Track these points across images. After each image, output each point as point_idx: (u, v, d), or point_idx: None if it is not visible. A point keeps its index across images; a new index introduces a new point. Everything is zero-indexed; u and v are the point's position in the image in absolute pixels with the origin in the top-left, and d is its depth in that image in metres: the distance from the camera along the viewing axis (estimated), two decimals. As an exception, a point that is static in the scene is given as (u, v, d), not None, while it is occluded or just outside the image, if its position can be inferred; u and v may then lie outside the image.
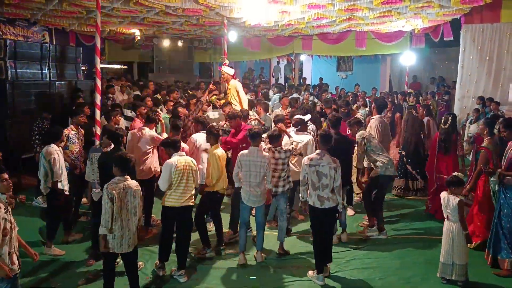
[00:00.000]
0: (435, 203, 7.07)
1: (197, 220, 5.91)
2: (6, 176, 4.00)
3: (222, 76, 9.11)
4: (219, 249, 6.05)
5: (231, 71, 8.95)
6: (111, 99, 10.02)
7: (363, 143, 6.42)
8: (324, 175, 5.18)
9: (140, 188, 4.67)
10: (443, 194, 5.20)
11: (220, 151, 5.92)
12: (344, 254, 5.96)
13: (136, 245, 4.69)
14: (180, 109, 8.21)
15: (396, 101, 12.63)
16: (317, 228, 5.38)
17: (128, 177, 4.62)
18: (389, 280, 5.32)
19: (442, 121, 7.25)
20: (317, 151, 5.40)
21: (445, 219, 5.19)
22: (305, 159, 5.36)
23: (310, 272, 5.38)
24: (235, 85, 8.68)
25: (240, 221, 5.86)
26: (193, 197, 5.42)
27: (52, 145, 5.95)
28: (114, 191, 4.41)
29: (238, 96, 8.59)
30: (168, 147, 5.41)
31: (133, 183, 4.61)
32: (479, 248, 5.88)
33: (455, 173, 5.33)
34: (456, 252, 5.04)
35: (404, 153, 8.43)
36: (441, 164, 7.18)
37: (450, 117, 7.18)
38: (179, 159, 5.25)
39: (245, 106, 8.50)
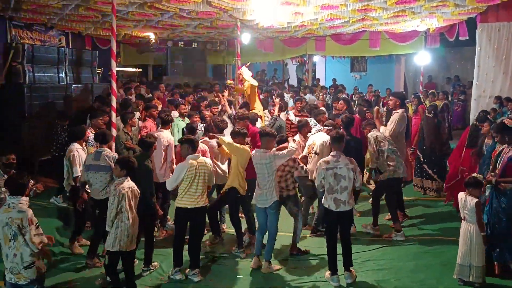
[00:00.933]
0: (453, 193, 7.03)
1: (210, 211, 5.93)
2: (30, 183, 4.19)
3: (240, 77, 9.31)
4: (239, 251, 6.05)
5: (247, 73, 9.07)
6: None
7: (375, 143, 6.43)
8: (342, 177, 5.14)
9: (139, 191, 4.85)
10: (461, 195, 5.16)
11: (247, 147, 5.97)
12: (358, 255, 5.92)
13: (136, 245, 4.85)
14: (206, 112, 8.34)
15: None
16: (332, 231, 5.36)
17: (128, 178, 4.82)
18: (404, 282, 5.29)
19: (476, 118, 7.29)
20: (332, 153, 5.34)
21: (462, 220, 5.15)
22: (321, 163, 5.30)
23: (327, 274, 5.37)
24: (251, 84, 8.76)
25: (257, 224, 5.86)
26: (207, 198, 5.46)
27: (74, 143, 6.16)
28: (124, 191, 4.62)
29: (253, 96, 8.69)
30: (186, 144, 5.39)
31: (133, 184, 4.79)
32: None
33: (474, 174, 5.31)
34: (474, 254, 5.00)
35: (419, 153, 8.39)
36: (467, 158, 7.07)
37: (482, 115, 7.20)
38: (192, 162, 5.27)
39: (259, 105, 8.57)
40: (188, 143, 5.39)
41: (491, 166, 5.61)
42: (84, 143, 6.44)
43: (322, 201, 5.45)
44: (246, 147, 5.98)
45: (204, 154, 5.95)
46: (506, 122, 5.59)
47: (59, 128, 7.82)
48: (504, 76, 10.44)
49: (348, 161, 5.21)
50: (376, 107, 10.73)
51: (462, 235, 5.12)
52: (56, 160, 7.67)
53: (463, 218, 5.13)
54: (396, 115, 7.35)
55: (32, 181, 4.35)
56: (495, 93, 10.41)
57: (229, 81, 9.60)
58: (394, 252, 6.06)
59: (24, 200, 4.02)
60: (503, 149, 5.41)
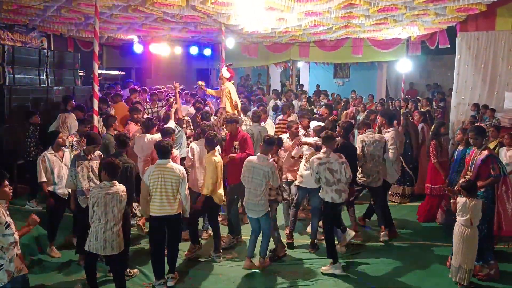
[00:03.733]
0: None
1: (190, 219, 5.85)
2: (6, 182, 4.04)
3: (220, 75, 9.48)
4: (216, 256, 6.03)
5: (226, 74, 9.19)
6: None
7: (362, 146, 6.55)
8: (335, 171, 5.50)
9: (125, 193, 4.78)
10: (461, 199, 5.18)
11: (217, 158, 5.91)
12: (340, 260, 5.98)
13: (123, 249, 4.80)
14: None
15: (391, 107, 12.68)
16: (330, 222, 5.76)
17: (115, 182, 4.74)
18: (386, 286, 5.35)
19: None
20: (323, 149, 5.66)
21: (459, 225, 5.15)
22: (314, 160, 5.60)
23: (325, 268, 5.59)
24: (229, 87, 8.85)
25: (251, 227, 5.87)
26: (179, 206, 5.27)
27: (49, 149, 6.13)
28: (96, 197, 4.61)
29: (230, 98, 8.76)
30: (158, 153, 5.36)
31: (120, 188, 4.72)
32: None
33: (467, 177, 5.52)
34: (466, 256, 5.08)
35: (402, 159, 8.45)
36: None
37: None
38: (156, 167, 5.21)
39: (237, 108, 8.66)
40: (158, 151, 5.33)
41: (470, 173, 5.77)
42: (60, 148, 6.30)
43: (321, 196, 5.68)
44: (217, 157, 5.90)
45: (174, 160, 5.83)
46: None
47: (30, 129, 7.73)
48: (483, 84, 10.69)
49: (338, 156, 5.59)
50: (345, 111, 10.96)
51: (460, 239, 5.12)
52: (28, 163, 7.60)
53: (469, 223, 5.06)
54: (387, 135, 6.98)
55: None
56: (474, 101, 10.65)
57: (200, 82, 9.62)
58: (376, 256, 6.12)
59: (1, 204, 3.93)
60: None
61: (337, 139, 6.21)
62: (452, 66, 11.32)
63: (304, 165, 6.36)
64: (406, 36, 13.38)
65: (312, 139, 6.49)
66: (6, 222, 3.86)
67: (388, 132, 7.01)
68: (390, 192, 8.48)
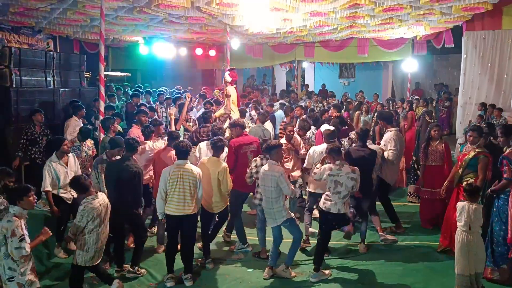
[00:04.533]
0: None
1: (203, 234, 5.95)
2: (32, 193, 4.09)
3: (224, 79, 9.50)
4: (207, 262, 5.89)
5: (228, 78, 9.20)
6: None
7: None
8: (340, 184, 5.38)
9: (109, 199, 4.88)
10: (461, 204, 4.98)
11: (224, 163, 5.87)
12: (346, 260, 5.98)
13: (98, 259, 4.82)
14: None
15: (392, 109, 12.51)
16: (328, 231, 5.63)
17: (99, 193, 4.80)
18: (392, 286, 5.33)
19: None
20: (337, 161, 5.49)
21: (460, 231, 4.94)
22: (325, 168, 5.53)
23: (326, 271, 5.55)
24: (228, 91, 8.88)
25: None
26: (194, 206, 5.30)
27: (53, 156, 6.09)
28: (94, 212, 4.60)
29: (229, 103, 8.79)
30: (177, 153, 5.40)
31: (104, 196, 4.81)
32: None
33: (470, 181, 5.37)
34: (476, 262, 4.89)
35: (414, 159, 8.41)
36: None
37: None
38: (175, 167, 5.26)
39: (235, 113, 8.68)
40: (176, 151, 5.40)
41: (460, 170, 5.90)
42: (64, 154, 6.23)
43: (320, 204, 5.63)
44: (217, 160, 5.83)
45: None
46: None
47: (32, 129, 7.72)
48: (490, 84, 10.64)
49: (351, 170, 5.41)
50: (357, 112, 10.88)
51: (461, 246, 4.90)
52: (34, 164, 7.63)
53: (467, 228, 4.85)
54: (389, 134, 6.94)
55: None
56: (480, 100, 10.59)
57: (216, 91, 9.70)
58: (382, 257, 6.09)
59: (17, 210, 3.98)
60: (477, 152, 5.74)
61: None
62: (459, 65, 11.28)
63: (314, 173, 6.27)
64: (412, 35, 13.34)
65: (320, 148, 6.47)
66: (22, 235, 3.90)
67: (390, 131, 6.97)
68: (408, 192, 8.57)
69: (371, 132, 8.71)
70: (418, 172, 8.26)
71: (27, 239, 3.92)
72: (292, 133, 7.04)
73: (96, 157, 6.46)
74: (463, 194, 5.10)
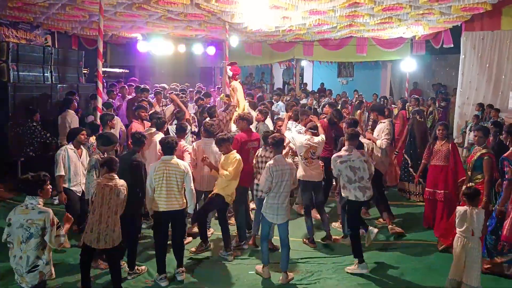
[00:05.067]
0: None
1: (198, 216, 5.95)
2: (48, 182, 4.04)
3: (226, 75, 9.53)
4: (227, 254, 5.95)
5: (229, 73, 9.22)
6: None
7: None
8: (357, 168, 5.48)
9: (125, 187, 4.80)
10: (462, 209, 4.82)
11: (238, 156, 5.87)
12: (343, 259, 5.97)
13: (118, 243, 4.76)
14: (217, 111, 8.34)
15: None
16: (356, 220, 5.75)
17: (114, 175, 4.78)
18: (390, 285, 5.34)
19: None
20: (345, 147, 5.64)
21: (460, 236, 4.81)
22: (335, 158, 5.59)
23: (351, 267, 5.59)
24: (234, 86, 8.82)
25: (261, 235, 5.62)
26: (183, 201, 5.29)
27: (69, 144, 6.18)
28: (94, 188, 4.70)
29: (236, 98, 8.72)
30: (163, 149, 5.38)
31: (119, 182, 4.76)
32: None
33: (470, 184, 5.25)
34: (469, 272, 4.71)
35: (407, 157, 8.46)
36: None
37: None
38: (160, 163, 5.25)
39: (241, 108, 8.60)
40: (163, 148, 5.37)
41: (469, 172, 5.86)
42: (80, 145, 6.29)
43: (344, 195, 5.65)
44: (235, 154, 5.87)
45: (180, 157, 5.84)
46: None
47: (29, 125, 7.76)
48: (488, 84, 10.67)
49: (360, 153, 5.58)
50: (358, 111, 10.90)
51: (459, 251, 4.77)
52: (32, 159, 7.65)
53: (469, 234, 4.72)
54: (382, 125, 7.22)
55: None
56: (478, 100, 10.62)
57: (222, 95, 9.62)
58: (380, 257, 6.10)
59: (42, 201, 3.93)
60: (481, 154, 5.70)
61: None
62: (457, 65, 11.30)
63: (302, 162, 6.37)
64: (411, 35, 13.36)
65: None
66: (59, 222, 3.90)
67: (383, 122, 7.23)
68: (399, 188, 8.69)
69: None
70: (411, 169, 8.33)
71: (62, 227, 3.96)
72: (280, 127, 7.18)
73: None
74: (463, 199, 4.97)
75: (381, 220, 7.21)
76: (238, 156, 5.83)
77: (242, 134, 6.52)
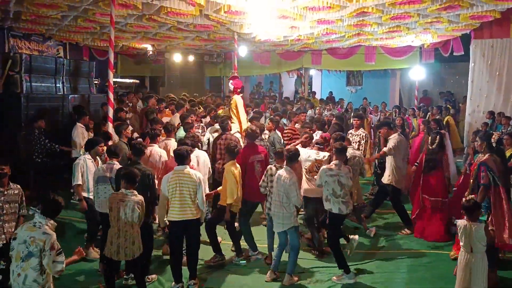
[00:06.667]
0: (420, 224, 7.04)
1: (207, 228, 6.00)
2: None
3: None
4: (240, 259, 6.04)
5: (230, 87, 9.23)
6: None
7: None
8: (342, 185, 5.55)
9: (143, 203, 4.83)
10: (462, 223, 4.56)
11: (238, 169, 5.94)
12: (351, 268, 5.92)
13: (139, 255, 4.81)
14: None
15: (395, 116, 12.42)
16: (338, 234, 5.81)
17: (134, 191, 4.81)
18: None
19: (430, 140, 7.03)
20: (335, 161, 5.68)
21: (462, 252, 4.58)
22: (325, 169, 5.65)
23: (336, 277, 5.60)
24: (235, 100, 8.86)
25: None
26: (196, 211, 5.30)
27: (87, 153, 6.26)
28: (111, 202, 4.72)
29: (237, 111, 8.74)
30: (176, 159, 5.43)
31: (136, 198, 4.78)
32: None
33: (470, 197, 5.00)
34: (476, 285, 4.49)
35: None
36: (427, 184, 6.95)
37: (437, 137, 6.94)
38: (173, 173, 5.29)
39: (243, 122, 8.65)
40: (176, 159, 5.40)
41: (471, 180, 5.85)
42: (96, 156, 6.38)
43: (327, 207, 5.68)
44: (238, 168, 5.94)
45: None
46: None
47: (36, 133, 7.84)
48: (498, 92, 10.60)
49: (348, 169, 5.68)
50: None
51: (463, 267, 4.53)
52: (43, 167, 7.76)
53: (469, 249, 4.49)
54: (392, 140, 7.27)
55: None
56: (488, 108, 10.55)
57: (220, 111, 9.71)
58: (388, 265, 6.06)
59: (51, 223, 3.89)
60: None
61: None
62: (466, 73, 11.24)
63: (305, 176, 6.39)
64: (419, 43, 13.33)
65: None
66: (60, 249, 3.82)
67: (392, 138, 7.29)
68: None
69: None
70: None
71: (63, 254, 3.85)
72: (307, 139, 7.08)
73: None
74: (462, 212, 4.73)
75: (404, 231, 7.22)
76: (235, 170, 5.88)
77: (245, 148, 6.55)
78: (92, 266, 5.93)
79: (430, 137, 7.12)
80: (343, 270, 5.58)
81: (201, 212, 5.41)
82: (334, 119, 9.39)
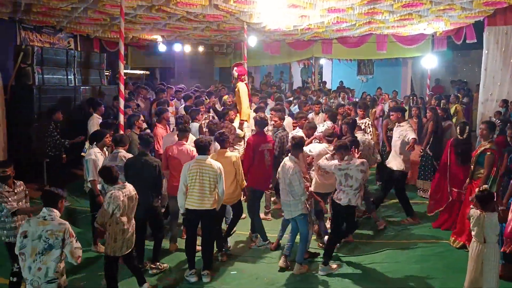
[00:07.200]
0: (451, 217, 6.85)
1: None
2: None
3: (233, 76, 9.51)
4: (220, 255, 6.01)
5: (234, 74, 9.27)
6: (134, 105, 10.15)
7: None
8: (350, 176, 5.45)
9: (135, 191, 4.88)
10: (475, 213, 4.50)
11: (229, 153, 5.92)
12: (362, 258, 5.96)
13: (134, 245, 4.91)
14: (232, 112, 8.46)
15: (411, 104, 12.32)
16: (339, 223, 5.72)
17: (126, 183, 4.88)
18: (409, 284, 5.30)
19: (459, 130, 6.77)
20: (346, 157, 5.57)
21: (474, 242, 4.55)
22: (334, 164, 5.59)
23: (334, 265, 5.63)
24: (239, 87, 8.85)
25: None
26: (214, 201, 5.38)
27: (94, 147, 6.23)
28: (119, 201, 4.63)
29: (239, 98, 8.77)
30: (197, 149, 5.51)
31: (131, 188, 4.85)
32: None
33: (484, 187, 4.80)
34: (486, 278, 4.43)
35: (431, 154, 8.35)
36: (456, 177, 6.69)
37: (467, 127, 6.75)
38: (195, 162, 5.36)
39: (244, 110, 8.65)
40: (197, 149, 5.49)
41: (472, 166, 5.90)
42: (103, 147, 6.42)
43: (333, 197, 5.72)
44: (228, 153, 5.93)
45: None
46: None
47: (51, 127, 7.89)
48: (511, 80, 10.40)
49: (360, 163, 5.50)
50: (373, 109, 10.87)
51: (474, 257, 4.49)
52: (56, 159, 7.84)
53: (482, 239, 4.45)
54: (403, 127, 7.26)
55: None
56: (502, 97, 10.38)
57: (225, 97, 9.70)
58: (399, 256, 6.06)
59: (57, 213, 3.95)
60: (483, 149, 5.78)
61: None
62: (480, 61, 11.05)
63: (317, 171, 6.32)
64: (432, 31, 13.12)
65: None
66: (74, 235, 3.93)
67: (402, 126, 7.27)
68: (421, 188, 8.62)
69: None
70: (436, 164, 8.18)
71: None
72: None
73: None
74: (475, 202, 4.63)
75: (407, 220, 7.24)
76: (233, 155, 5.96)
77: (253, 137, 6.55)
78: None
79: (458, 127, 6.88)
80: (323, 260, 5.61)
81: (218, 201, 5.46)
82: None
